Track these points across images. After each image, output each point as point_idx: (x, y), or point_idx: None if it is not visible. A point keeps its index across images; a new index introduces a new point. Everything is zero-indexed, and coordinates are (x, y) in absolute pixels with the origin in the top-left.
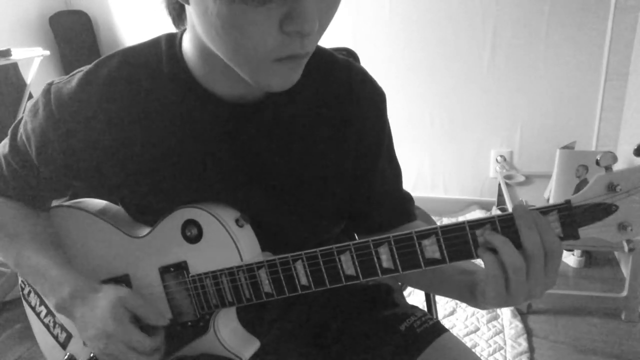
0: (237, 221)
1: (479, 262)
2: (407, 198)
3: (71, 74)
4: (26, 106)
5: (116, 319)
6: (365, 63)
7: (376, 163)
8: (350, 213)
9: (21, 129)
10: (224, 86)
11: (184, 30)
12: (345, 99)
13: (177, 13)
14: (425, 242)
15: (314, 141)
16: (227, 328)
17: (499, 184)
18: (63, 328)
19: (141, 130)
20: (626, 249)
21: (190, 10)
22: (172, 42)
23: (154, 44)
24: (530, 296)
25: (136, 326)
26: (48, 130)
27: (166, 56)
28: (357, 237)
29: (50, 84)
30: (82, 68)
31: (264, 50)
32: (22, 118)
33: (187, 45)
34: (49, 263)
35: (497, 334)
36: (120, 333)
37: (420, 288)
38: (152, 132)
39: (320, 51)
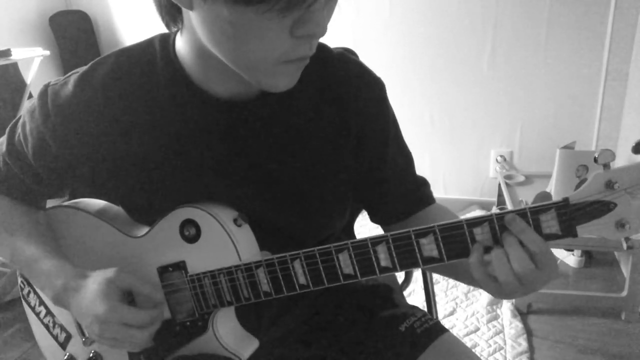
0: (235, 220)
1: None
2: (422, 182)
3: (67, 75)
4: (25, 106)
5: (105, 300)
6: (365, 63)
7: (385, 152)
8: (367, 206)
9: (19, 129)
10: (219, 85)
11: (177, 31)
12: (343, 93)
13: (172, 17)
14: (423, 240)
15: (312, 137)
16: (226, 327)
17: (499, 184)
18: (62, 328)
19: (137, 130)
20: (625, 246)
21: (192, 15)
22: (165, 42)
23: (148, 44)
24: (548, 280)
25: (125, 303)
26: (45, 131)
27: (160, 56)
28: (383, 231)
29: (47, 86)
30: (77, 69)
31: (274, 55)
32: (19, 117)
33: (182, 46)
34: (42, 256)
35: (497, 334)
36: (111, 314)
37: (449, 276)
38: (148, 131)
39: None
